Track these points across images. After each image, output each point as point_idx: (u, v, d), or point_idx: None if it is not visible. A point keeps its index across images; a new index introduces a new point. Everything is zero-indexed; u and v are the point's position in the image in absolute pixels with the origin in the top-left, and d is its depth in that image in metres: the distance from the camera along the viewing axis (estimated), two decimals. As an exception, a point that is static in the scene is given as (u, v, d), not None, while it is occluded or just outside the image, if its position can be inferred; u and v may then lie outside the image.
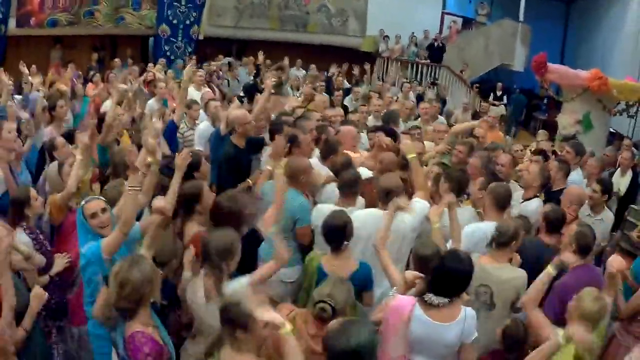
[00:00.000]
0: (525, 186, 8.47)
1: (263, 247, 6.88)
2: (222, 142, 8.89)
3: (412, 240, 6.53)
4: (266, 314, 4.02)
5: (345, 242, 5.83)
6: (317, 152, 8.48)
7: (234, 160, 8.53)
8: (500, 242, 6.09)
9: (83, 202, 5.77)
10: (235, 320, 4.04)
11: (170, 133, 9.43)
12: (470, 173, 8.21)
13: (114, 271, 4.48)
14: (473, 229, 6.79)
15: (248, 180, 8.21)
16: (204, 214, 6.25)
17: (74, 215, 6.91)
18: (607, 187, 8.62)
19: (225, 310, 4.11)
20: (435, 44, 26.47)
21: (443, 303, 4.83)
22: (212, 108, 10.67)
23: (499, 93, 23.83)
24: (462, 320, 4.90)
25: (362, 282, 5.74)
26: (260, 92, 11.64)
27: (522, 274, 6.07)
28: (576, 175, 9.77)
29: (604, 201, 8.61)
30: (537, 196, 8.17)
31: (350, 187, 6.94)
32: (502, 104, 22.59)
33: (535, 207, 7.88)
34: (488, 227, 6.61)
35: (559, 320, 5.53)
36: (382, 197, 6.58)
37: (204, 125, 10.53)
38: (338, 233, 5.82)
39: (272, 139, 8.46)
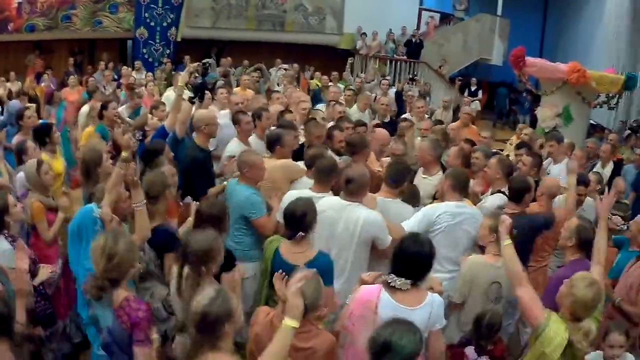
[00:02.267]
0: (490, 181, 8.38)
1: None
2: (180, 146, 8.57)
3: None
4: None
5: (301, 233, 5.69)
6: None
7: (202, 164, 8.32)
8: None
9: (99, 209, 6.02)
10: (221, 317, 3.99)
11: (160, 139, 8.67)
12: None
13: (99, 245, 4.70)
14: (434, 208, 6.85)
15: (224, 183, 7.99)
16: None
17: (52, 214, 7.10)
18: (587, 184, 8.82)
19: (205, 316, 3.99)
20: (413, 40, 26.51)
21: (406, 285, 4.81)
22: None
23: (473, 88, 23.89)
24: (429, 305, 4.89)
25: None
26: (210, 90, 11.58)
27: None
28: (558, 168, 9.85)
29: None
30: (501, 191, 7.94)
31: (325, 174, 6.94)
32: (477, 99, 22.62)
33: (492, 204, 7.71)
34: (449, 206, 6.80)
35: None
36: (343, 186, 6.57)
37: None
38: (295, 221, 5.71)
39: (271, 149, 8.21)
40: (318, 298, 4.67)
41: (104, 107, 10.38)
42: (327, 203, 6.43)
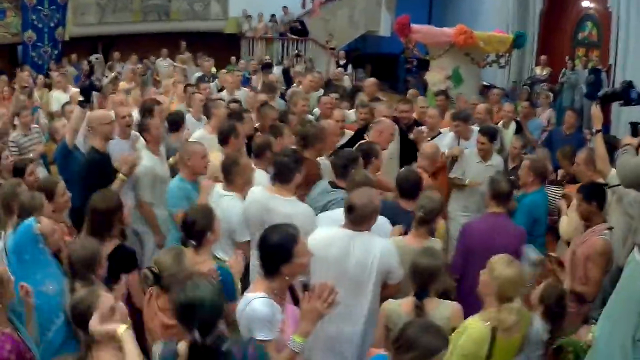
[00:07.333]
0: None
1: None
2: (71, 156, 7.96)
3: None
4: (98, 327, 3.84)
5: (192, 242, 5.27)
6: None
7: (99, 167, 7.52)
8: (424, 219, 5.89)
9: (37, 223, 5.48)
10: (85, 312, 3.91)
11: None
12: None
13: None
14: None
15: (120, 175, 7.26)
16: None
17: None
18: (492, 135, 9.05)
19: (74, 309, 3.98)
20: (299, 18, 26.67)
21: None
22: (68, 112, 9.82)
23: (342, 62, 23.57)
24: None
25: None
26: (97, 90, 11.03)
27: (440, 243, 6.09)
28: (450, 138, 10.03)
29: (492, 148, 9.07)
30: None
31: (284, 173, 6.27)
32: (346, 75, 21.94)
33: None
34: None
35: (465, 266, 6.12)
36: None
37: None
38: (186, 229, 5.37)
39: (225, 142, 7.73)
40: (181, 270, 4.57)
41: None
42: (330, 236, 5.46)
